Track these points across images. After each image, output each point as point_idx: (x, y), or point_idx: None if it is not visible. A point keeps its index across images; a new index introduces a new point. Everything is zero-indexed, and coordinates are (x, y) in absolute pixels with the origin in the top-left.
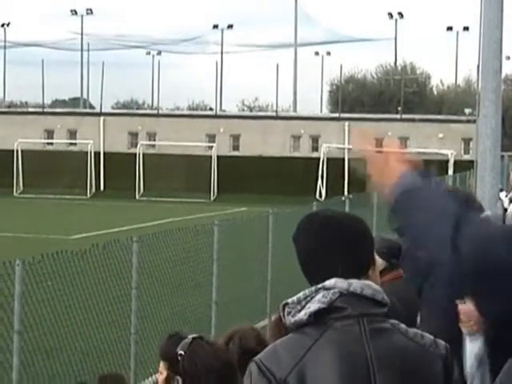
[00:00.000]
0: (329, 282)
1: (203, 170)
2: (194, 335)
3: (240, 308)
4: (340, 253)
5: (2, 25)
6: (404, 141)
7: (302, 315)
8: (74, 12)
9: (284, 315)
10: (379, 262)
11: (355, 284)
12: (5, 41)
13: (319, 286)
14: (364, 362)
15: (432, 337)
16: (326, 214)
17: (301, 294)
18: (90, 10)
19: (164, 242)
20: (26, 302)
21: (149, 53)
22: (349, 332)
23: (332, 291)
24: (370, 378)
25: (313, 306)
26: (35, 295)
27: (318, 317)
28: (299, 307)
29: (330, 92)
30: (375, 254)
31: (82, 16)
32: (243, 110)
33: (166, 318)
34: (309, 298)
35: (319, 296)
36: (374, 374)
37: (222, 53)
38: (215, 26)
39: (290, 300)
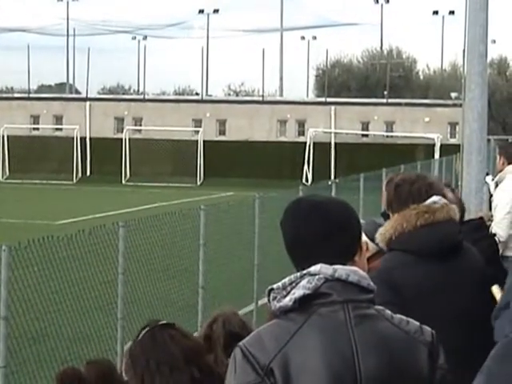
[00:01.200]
0: (314, 268)
1: (189, 154)
2: (162, 322)
3: (227, 293)
4: (326, 238)
5: None
6: (390, 125)
7: (287, 301)
8: None
9: (269, 300)
10: (371, 246)
11: (340, 270)
12: None
13: (304, 271)
14: (348, 348)
15: (418, 323)
16: (312, 200)
17: (286, 280)
18: None
19: (150, 226)
20: (13, 287)
21: (134, 38)
22: (333, 318)
23: (317, 277)
24: (355, 364)
25: (297, 292)
26: (21, 281)
27: (302, 303)
28: (284, 293)
29: (316, 76)
30: (367, 239)
31: (67, 1)
32: (229, 94)
33: (152, 304)
34: (294, 284)
35: (304, 282)
36: (359, 360)
37: (207, 37)
38: (201, 11)
39: (275, 285)
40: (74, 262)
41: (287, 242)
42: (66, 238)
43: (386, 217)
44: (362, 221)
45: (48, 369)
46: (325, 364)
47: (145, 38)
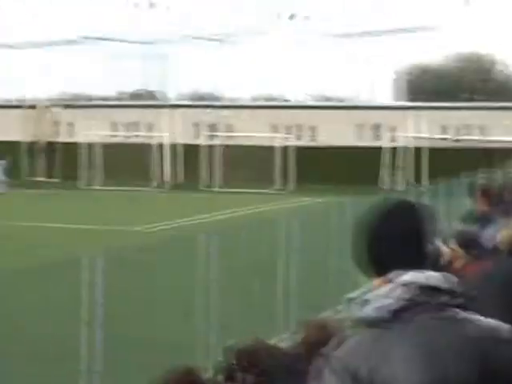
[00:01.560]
0: (407, 277)
1: (279, 160)
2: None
3: (316, 297)
4: (414, 243)
5: (68, 20)
6: (477, 129)
7: (379, 310)
8: (151, 5)
9: (352, 309)
10: (461, 253)
11: (432, 277)
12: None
13: (396, 279)
14: (441, 354)
15: (507, 325)
16: (397, 204)
17: (371, 288)
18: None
19: (237, 234)
20: (108, 293)
21: (219, 44)
22: (426, 325)
23: (411, 286)
24: (447, 370)
25: (391, 302)
26: (116, 287)
27: (397, 312)
28: (373, 301)
29: (398, 80)
30: (457, 246)
31: (149, 9)
32: (315, 100)
33: (244, 310)
34: (383, 292)
35: (398, 291)
36: (452, 366)
37: (289, 43)
38: (280, 17)
39: (354, 294)
40: (166, 268)
41: (368, 246)
42: (159, 244)
43: (476, 221)
44: (450, 227)
45: (142, 373)
46: (417, 371)
47: (230, 44)
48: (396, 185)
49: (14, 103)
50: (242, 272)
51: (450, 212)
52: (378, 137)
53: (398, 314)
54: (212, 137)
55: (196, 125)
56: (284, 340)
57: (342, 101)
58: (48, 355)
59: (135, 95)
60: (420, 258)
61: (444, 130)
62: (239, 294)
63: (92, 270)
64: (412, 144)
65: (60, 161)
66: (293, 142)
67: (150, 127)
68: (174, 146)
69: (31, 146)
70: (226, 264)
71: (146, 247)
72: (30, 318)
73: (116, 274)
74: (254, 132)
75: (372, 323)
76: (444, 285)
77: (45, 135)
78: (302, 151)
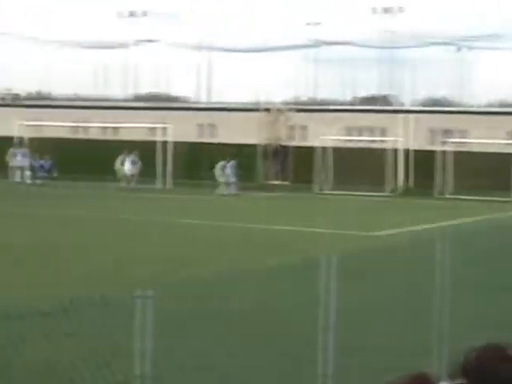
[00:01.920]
0: None
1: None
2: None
3: None
4: None
5: (308, 24)
6: None
7: None
8: (386, 10)
9: None
10: None
11: None
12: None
13: None
14: None
15: None
16: None
17: None
18: (398, 8)
19: (474, 242)
20: (344, 296)
21: (459, 50)
22: None
23: None
24: None
25: None
26: (352, 291)
27: None
28: None
29: None
30: None
31: (388, 14)
32: None
33: (476, 318)
34: None
35: None
36: None
37: None
38: None
39: None
40: (401, 273)
41: None
42: (394, 249)
43: None
44: None
45: (373, 378)
46: None
47: (469, 49)
48: None
49: (250, 106)
50: (475, 280)
51: None
52: None
53: None
54: (445, 143)
55: (430, 130)
56: None
57: None
58: (288, 355)
59: (369, 100)
60: None
61: None
62: (472, 301)
63: (328, 274)
64: None
65: (293, 164)
66: None
67: (383, 132)
68: (406, 152)
69: (265, 149)
70: (460, 271)
71: (382, 252)
72: (265, 317)
73: (351, 278)
74: (488, 138)
75: None
76: None
77: (279, 138)
78: None
